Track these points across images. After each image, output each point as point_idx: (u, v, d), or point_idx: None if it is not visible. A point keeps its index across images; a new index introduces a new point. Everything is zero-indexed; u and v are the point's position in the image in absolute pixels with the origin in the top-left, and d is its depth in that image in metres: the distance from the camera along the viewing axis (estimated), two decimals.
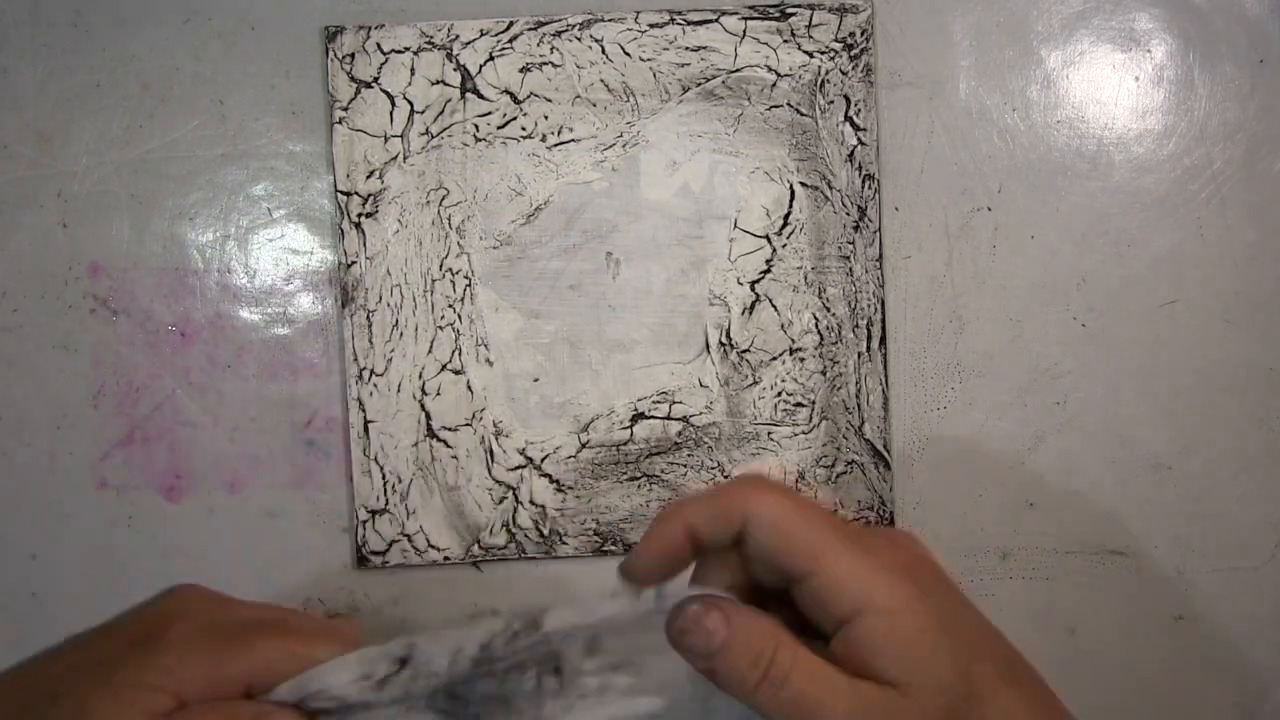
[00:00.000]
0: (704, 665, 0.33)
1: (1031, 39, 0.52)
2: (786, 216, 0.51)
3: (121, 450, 0.52)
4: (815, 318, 0.51)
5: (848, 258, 0.51)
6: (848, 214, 0.51)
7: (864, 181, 0.51)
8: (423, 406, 0.51)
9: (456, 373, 0.51)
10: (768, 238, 0.51)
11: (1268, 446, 0.52)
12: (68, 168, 0.51)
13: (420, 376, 0.51)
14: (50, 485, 0.52)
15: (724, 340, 0.51)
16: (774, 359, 0.51)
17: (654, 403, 0.51)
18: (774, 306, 0.51)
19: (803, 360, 0.51)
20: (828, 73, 0.50)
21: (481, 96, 0.51)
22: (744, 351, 0.51)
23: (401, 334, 0.51)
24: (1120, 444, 0.52)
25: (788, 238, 0.51)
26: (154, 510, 0.52)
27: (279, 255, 0.52)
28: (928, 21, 0.52)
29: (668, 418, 0.51)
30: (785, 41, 0.50)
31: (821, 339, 0.51)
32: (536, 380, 0.51)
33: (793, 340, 0.51)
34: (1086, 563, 0.52)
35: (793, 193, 0.51)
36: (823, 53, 0.50)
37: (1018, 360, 0.52)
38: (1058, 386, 0.52)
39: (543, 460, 0.51)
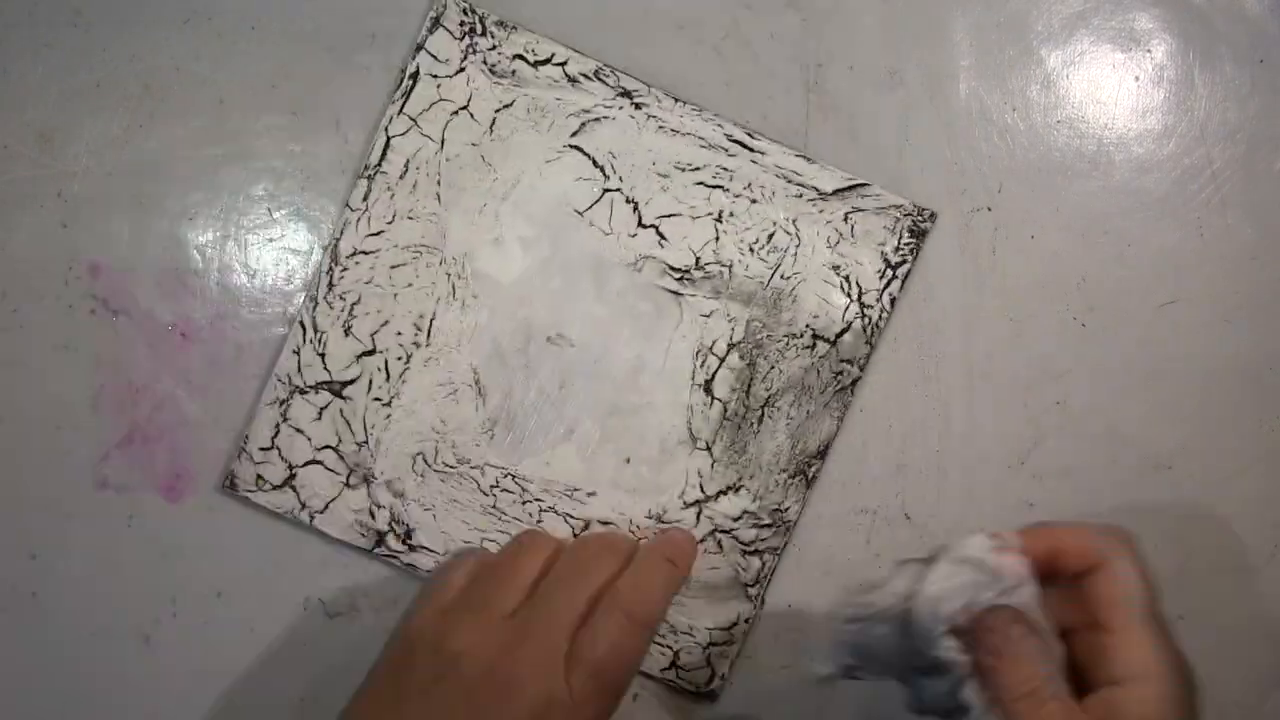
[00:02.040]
0: (986, 659, 0.39)
1: (1031, 39, 0.52)
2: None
3: (121, 450, 0.52)
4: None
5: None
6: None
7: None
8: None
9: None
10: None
11: (1268, 446, 0.52)
12: (68, 168, 0.51)
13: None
14: (50, 485, 0.52)
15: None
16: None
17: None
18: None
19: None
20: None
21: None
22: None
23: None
24: (1120, 444, 0.52)
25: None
26: (154, 510, 0.52)
27: (279, 255, 0.52)
28: (928, 21, 0.52)
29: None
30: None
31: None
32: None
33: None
34: None
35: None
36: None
37: (1018, 360, 0.52)
38: (1058, 386, 0.52)
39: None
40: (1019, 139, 0.52)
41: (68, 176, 0.51)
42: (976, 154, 0.52)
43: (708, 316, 0.51)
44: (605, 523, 0.51)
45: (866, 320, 0.51)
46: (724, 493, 0.51)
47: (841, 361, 0.51)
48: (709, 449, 0.51)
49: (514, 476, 0.51)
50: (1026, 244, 0.52)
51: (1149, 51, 0.52)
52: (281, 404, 0.51)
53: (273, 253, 0.52)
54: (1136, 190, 0.52)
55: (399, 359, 0.51)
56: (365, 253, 0.51)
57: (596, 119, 0.51)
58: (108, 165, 0.51)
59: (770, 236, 0.51)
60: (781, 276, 0.51)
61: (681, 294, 0.51)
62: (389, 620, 0.52)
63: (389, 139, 0.51)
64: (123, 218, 0.51)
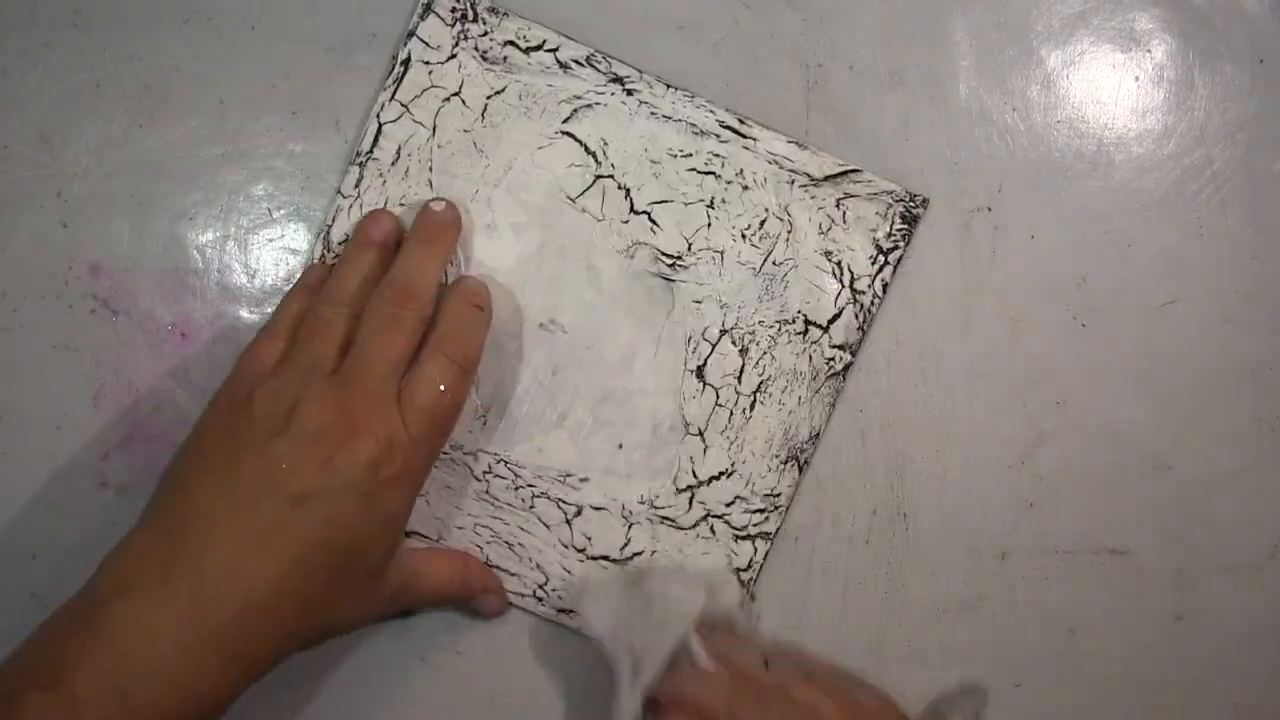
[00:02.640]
0: None
1: (1031, 39, 0.52)
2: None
3: (121, 450, 0.52)
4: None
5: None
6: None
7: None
8: None
9: None
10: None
11: (1268, 446, 0.52)
12: (68, 168, 0.51)
13: None
14: (50, 485, 0.52)
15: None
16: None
17: None
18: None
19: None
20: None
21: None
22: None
23: None
24: (1120, 444, 0.52)
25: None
26: None
27: (279, 255, 0.52)
28: (928, 21, 0.52)
29: None
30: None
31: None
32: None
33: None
34: (1086, 563, 0.52)
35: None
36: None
37: (1018, 360, 0.52)
38: (1058, 386, 0.52)
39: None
40: (1019, 139, 0.52)
41: (68, 176, 0.51)
42: (976, 154, 0.52)
43: (700, 303, 0.51)
44: (598, 508, 0.51)
45: (859, 306, 0.51)
46: (716, 478, 0.51)
47: (833, 347, 0.51)
48: (701, 435, 0.51)
49: (506, 462, 0.51)
50: (1026, 244, 0.52)
51: (1149, 51, 0.52)
52: None
53: (273, 253, 0.52)
54: (1136, 190, 0.52)
55: None
56: None
57: (588, 105, 0.51)
58: (108, 165, 0.51)
59: (762, 223, 0.51)
60: (773, 263, 0.51)
61: (674, 280, 0.51)
62: (390, 619, 0.52)
63: (381, 125, 0.51)
64: (123, 218, 0.51)
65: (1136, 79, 0.52)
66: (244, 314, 0.52)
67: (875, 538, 0.52)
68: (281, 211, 0.52)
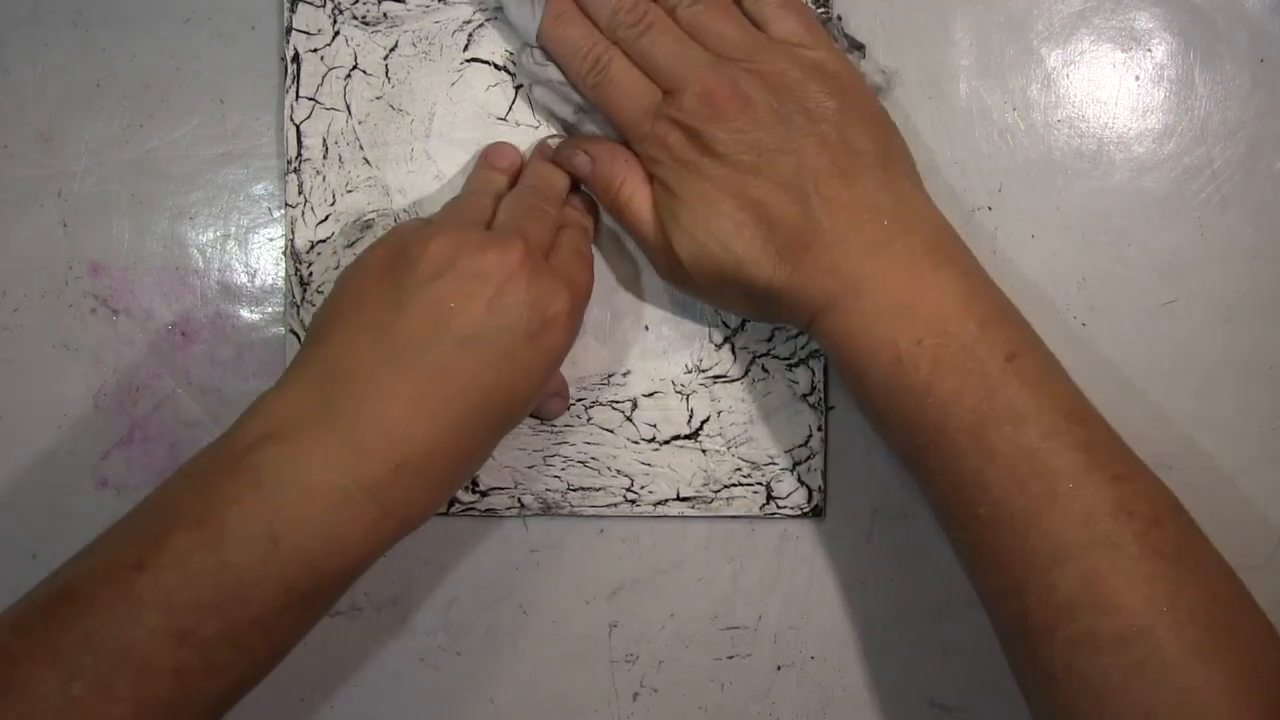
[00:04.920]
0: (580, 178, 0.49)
1: (1031, 38, 0.52)
2: None
3: (121, 450, 0.52)
4: None
5: None
6: None
7: None
8: None
9: None
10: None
11: (1268, 446, 0.52)
12: (68, 168, 0.51)
13: None
14: (50, 485, 0.52)
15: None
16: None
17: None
18: None
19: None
20: None
21: None
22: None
23: None
24: None
25: None
26: None
27: (279, 255, 0.52)
28: (928, 21, 0.52)
29: None
30: None
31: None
32: None
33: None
34: None
35: None
36: None
37: None
38: None
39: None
40: (1019, 139, 0.52)
41: (68, 176, 0.52)
42: (976, 154, 0.52)
43: None
44: (650, 394, 0.51)
45: None
46: (748, 319, 0.52)
47: None
48: None
49: None
50: (1026, 244, 0.52)
51: (1149, 51, 0.52)
52: None
53: (273, 252, 0.52)
54: (1136, 190, 0.52)
55: None
56: (322, 241, 0.51)
57: (480, 25, 0.51)
58: (108, 165, 0.51)
59: None
60: None
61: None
62: (390, 619, 0.52)
63: (298, 126, 0.51)
64: (123, 218, 0.52)
65: (1137, 78, 0.52)
66: (244, 314, 0.52)
67: (876, 536, 0.52)
68: (281, 211, 0.52)
